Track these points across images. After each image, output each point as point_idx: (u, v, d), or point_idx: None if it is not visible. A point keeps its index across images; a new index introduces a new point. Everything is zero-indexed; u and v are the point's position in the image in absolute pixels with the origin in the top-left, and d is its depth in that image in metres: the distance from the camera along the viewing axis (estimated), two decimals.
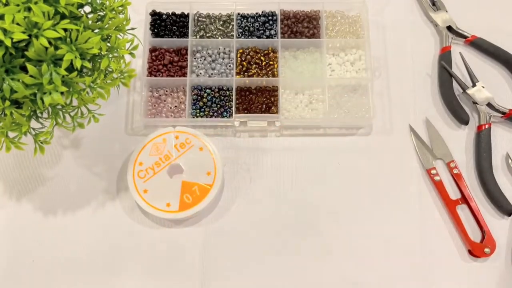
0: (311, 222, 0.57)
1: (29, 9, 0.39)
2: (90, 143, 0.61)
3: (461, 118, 0.62)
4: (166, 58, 0.63)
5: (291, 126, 0.62)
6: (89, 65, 0.44)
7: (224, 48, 0.64)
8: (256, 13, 0.66)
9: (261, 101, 0.62)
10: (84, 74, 0.47)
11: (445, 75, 0.64)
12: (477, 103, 0.62)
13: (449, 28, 0.67)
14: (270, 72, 0.63)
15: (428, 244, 0.57)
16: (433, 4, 0.69)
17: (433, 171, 0.59)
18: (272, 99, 0.62)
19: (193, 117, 0.61)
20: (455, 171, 0.59)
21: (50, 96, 0.41)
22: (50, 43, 0.40)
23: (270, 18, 0.65)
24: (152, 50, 0.64)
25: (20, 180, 0.59)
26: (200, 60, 0.63)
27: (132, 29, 0.52)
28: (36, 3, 0.39)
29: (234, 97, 0.61)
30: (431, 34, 0.68)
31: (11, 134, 0.45)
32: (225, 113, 0.61)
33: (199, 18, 0.66)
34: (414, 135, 0.62)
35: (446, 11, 0.67)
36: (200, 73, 0.63)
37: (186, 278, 0.55)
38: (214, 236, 0.57)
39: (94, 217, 0.57)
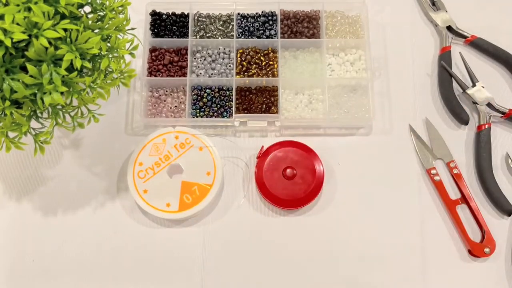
0: (310, 221, 0.58)
1: (29, 9, 0.39)
2: (90, 143, 0.61)
3: (461, 118, 0.62)
4: (166, 58, 0.63)
5: (291, 126, 0.62)
6: (89, 65, 0.44)
7: (224, 48, 0.64)
8: (256, 13, 0.66)
9: (261, 101, 0.62)
10: (84, 74, 0.47)
11: (445, 75, 0.64)
12: (477, 103, 0.62)
13: (449, 28, 0.67)
14: (270, 72, 0.63)
15: (428, 244, 0.57)
16: (433, 4, 0.69)
17: (433, 171, 0.59)
18: (272, 99, 0.62)
19: (193, 117, 0.61)
20: (455, 171, 0.59)
21: (50, 96, 0.41)
22: (50, 43, 0.40)
23: (270, 18, 0.65)
24: (152, 50, 0.64)
25: (20, 180, 0.59)
26: (200, 60, 0.63)
27: (132, 29, 0.52)
28: (36, 3, 0.39)
29: (234, 97, 0.61)
30: (431, 34, 0.68)
31: (11, 134, 0.45)
32: (225, 113, 0.61)
33: (199, 18, 0.66)
34: (414, 135, 0.62)
35: (446, 11, 0.67)
36: (200, 73, 0.63)
37: (186, 278, 0.55)
38: (214, 236, 0.57)
39: (94, 217, 0.57)
